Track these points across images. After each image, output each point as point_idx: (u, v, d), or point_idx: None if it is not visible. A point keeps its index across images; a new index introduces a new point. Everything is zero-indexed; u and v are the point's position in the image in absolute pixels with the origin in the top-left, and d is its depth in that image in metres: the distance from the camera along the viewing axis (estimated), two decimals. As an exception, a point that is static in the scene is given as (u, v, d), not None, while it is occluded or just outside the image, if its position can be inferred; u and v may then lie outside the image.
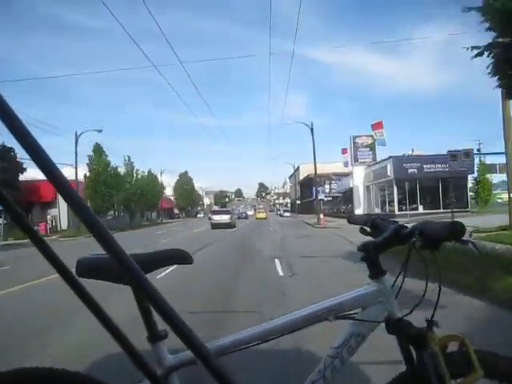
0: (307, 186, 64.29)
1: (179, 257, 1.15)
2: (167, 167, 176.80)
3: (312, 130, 28.98)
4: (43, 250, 0.55)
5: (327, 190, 55.77)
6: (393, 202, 28.45)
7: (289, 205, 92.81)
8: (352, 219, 1.43)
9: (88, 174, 31.25)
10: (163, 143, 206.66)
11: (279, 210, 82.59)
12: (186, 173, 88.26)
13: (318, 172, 35.07)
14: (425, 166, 27.45)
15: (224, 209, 36.85)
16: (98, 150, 32.48)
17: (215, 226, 26.89)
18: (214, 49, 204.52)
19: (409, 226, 1.09)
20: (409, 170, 27.50)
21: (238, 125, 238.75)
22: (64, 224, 30.25)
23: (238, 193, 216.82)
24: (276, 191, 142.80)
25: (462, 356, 1.05)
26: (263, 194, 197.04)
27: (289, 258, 9.85)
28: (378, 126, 33.56)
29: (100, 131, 29.21)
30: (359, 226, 1.26)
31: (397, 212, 27.15)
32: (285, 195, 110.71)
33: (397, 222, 1.16)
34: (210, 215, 31.06)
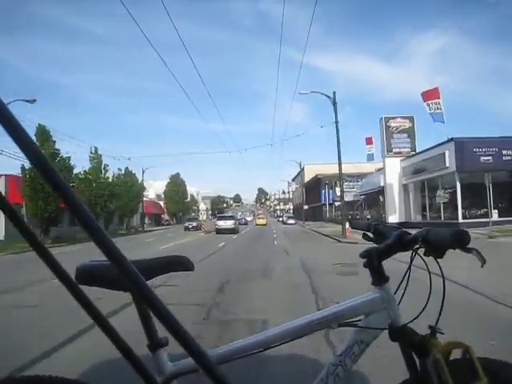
0: (314, 188, 59.40)
1: (180, 264, 1.17)
2: (164, 172, 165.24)
3: (335, 102, 22.44)
4: (44, 257, 0.57)
5: (338, 193, 49.58)
6: (451, 204, 20.83)
7: (290, 211, 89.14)
8: (355, 225, 1.45)
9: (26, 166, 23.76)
10: (162, 149, 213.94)
11: (281, 216, 77.51)
12: (177, 175, 78.69)
13: (326, 173, 26.12)
14: (504, 153, 19.77)
15: (228, 215, 39.01)
16: (43, 134, 24.99)
17: (219, 231, 29.68)
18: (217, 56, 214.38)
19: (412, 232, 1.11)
20: (481, 158, 19.55)
21: (240, 130, 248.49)
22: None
23: (237, 198, 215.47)
24: (276, 197, 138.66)
25: (466, 363, 1.08)
26: (263, 200, 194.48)
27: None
28: (432, 94, 24.67)
29: (33, 102, 21.78)
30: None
31: (460, 220, 19.87)
32: (286, 201, 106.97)
33: (400, 228, 1.19)
34: (215, 221, 34.14)
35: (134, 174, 41.79)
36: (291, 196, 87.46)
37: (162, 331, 0.71)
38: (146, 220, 54.62)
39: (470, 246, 1.03)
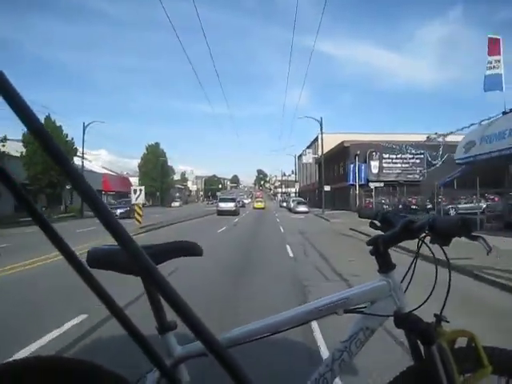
0: (336, 162, 45.04)
1: (189, 249, 1.25)
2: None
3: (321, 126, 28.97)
4: (50, 236, 0.60)
5: (375, 170, 36.99)
6: None
7: (294, 194, 75.71)
8: (362, 213, 1.54)
9: None
10: (160, 131, 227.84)
11: (285, 201, 64.52)
12: (156, 145, 61.67)
13: (356, 140, 14.74)
14: None
15: (229, 197, 40.82)
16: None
17: (221, 212, 32.67)
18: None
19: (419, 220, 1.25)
20: None
21: (242, 115, 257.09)
22: None
23: (234, 179, 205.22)
24: (278, 178, 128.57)
25: (471, 352, 1.15)
26: (262, 182, 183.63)
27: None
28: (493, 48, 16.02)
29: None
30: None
31: None
32: (290, 183, 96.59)
33: (407, 217, 1.28)
34: (217, 203, 36.68)
35: (59, 127, 26.36)
36: (297, 177, 75.67)
37: (170, 314, 0.76)
38: (106, 199, 45.58)
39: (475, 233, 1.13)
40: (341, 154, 41.12)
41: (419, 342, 1.17)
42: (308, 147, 58.94)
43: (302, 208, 37.45)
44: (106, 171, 55.36)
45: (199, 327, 0.56)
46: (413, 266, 1.24)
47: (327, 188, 36.97)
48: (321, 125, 30.61)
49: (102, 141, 70.33)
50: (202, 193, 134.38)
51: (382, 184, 32.81)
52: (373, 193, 30.19)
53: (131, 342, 0.68)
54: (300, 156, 64.82)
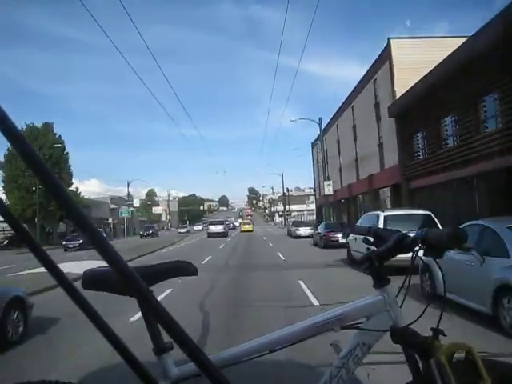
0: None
1: (183, 269, 1.24)
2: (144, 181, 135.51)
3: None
4: (42, 260, 0.61)
5: None
6: None
7: (304, 214, 62.45)
8: (354, 230, 1.51)
9: None
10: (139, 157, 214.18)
11: (293, 224, 35.55)
12: (46, 127, 27.08)
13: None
14: None
15: (219, 219, 44.82)
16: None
17: (211, 235, 36.32)
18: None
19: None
20: None
21: (226, 137, 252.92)
22: None
23: (224, 201, 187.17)
24: (271, 197, 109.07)
25: (469, 364, 1.14)
26: (254, 202, 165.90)
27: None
28: None
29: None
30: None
31: None
32: (282, 200, 71.18)
33: (399, 232, 1.28)
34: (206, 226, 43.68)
35: None
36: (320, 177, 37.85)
37: (167, 336, 0.77)
38: None
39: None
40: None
41: (417, 357, 1.17)
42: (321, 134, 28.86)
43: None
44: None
45: (192, 348, 0.56)
46: (407, 280, 1.24)
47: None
48: (320, 125, 26.56)
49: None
50: (177, 218, 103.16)
51: None
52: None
53: (124, 363, 0.66)
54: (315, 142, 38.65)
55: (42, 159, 0.50)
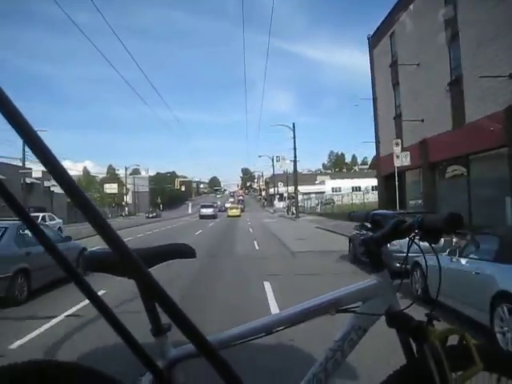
0: None
1: (182, 251, 1.26)
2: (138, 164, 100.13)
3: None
4: (42, 241, 0.61)
5: None
6: None
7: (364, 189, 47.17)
8: (353, 216, 1.57)
9: None
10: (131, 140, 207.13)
11: (289, 206, 43.26)
12: None
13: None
14: None
15: (209, 203, 52.82)
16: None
17: (203, 217, 44.53)
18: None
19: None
20: None
21: (218, 121, 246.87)
22: None
23: (214, 182, 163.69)
24: (266, 173, 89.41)
25: (462, 350, 1.17)
26: (248, 184, 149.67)
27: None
28: None
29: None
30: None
31: None
32: (304, 178, 59.70)
33: (396, 217, 1.30)
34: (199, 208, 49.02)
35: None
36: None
37: (165, 316, 0.75)
38: None
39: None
40: None
41: (411, 341, 1.19)
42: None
43: None
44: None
45: (191, 329, 0.57)
46: (404, 265, 1.34)
47: None
48: (293, 131, 33.59)
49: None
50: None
51: None
52: None
53: (124, 344, 0.68)
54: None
55: (39, 136, 0.50)
